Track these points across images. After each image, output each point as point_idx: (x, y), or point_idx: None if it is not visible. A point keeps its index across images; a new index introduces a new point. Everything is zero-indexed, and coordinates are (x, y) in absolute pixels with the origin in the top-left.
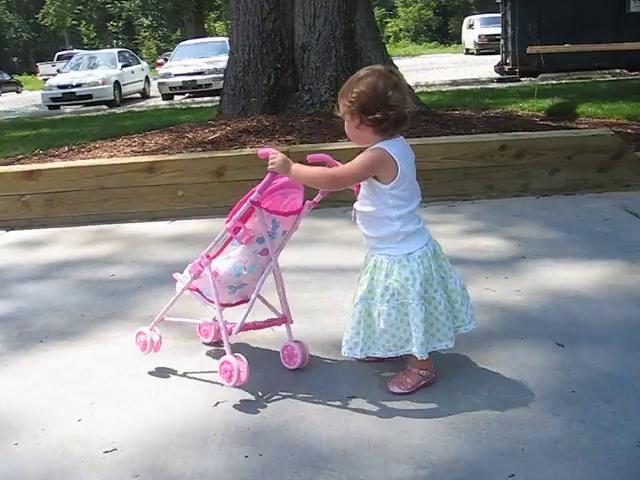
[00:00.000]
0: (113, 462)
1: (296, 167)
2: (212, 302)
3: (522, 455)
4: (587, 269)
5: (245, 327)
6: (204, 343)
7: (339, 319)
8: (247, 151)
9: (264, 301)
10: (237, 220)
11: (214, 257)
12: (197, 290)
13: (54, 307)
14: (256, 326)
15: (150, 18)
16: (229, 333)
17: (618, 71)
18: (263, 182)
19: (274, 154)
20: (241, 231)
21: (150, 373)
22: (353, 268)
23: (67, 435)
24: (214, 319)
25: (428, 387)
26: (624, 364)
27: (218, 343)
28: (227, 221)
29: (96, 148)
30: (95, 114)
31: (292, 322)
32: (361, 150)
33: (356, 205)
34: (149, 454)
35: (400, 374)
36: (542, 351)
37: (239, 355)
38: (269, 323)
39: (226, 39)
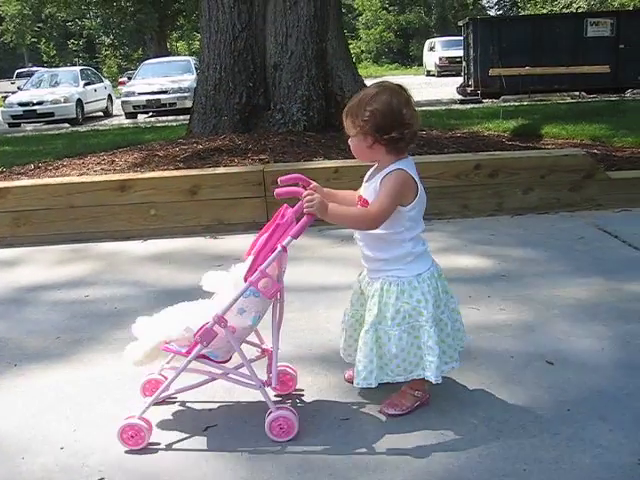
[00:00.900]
0: None
1: (333, 208)
2: (223, 363)
3: (525, 476)
4: (569, 287)
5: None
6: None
7: (325, 339)
8: (221, 169)
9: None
10: (264, 271)
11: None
12: (204, 357)
13: (27, 329)
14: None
15: (111, 37)
16: (267, 386)
17: (577, 93)
18: (300, 225)
19: (310, 196)
20: (267, 282)
21: (134, 398)
22: (335, 287)
23: (50, 464)
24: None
25: (423, 407)
26: (616, 381)
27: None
28: (249, 273)
29: (64, 166)
30: (57, 132)
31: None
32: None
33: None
34: None
35: (394, 396)
36: (533, 370)
37: (291, 408)
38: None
39: (190, 58)
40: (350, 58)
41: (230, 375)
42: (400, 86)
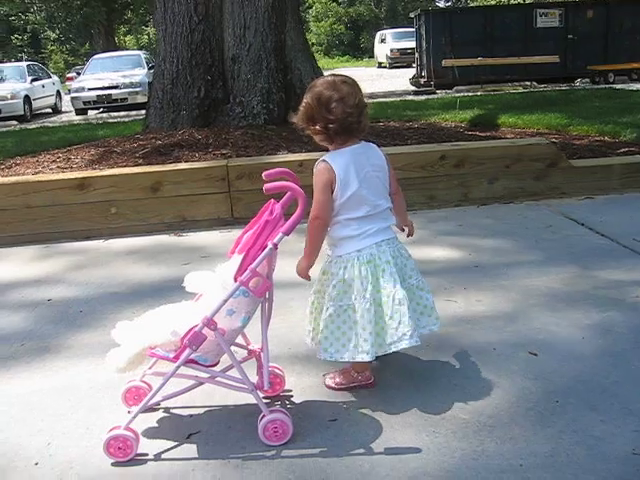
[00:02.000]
0: None
1: (306, 256)
2: (212, 367)
3: (522, 471)
4: (543, 276)
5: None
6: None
7: (302, 337)
8: (183, 165)
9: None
10: (254, 270)
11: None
12: (193, 362)
13: None
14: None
15: (57, 31)
16: (258, 389)
17: (528, 83)
18: (292, 221)
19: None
20: (258, 281)
21: (110, 407)
22: (306, 283)
23: None
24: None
25: (366, 389)
26: (600, 370)
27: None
28: (238, 273)
29: (17, 164)
30: (5, 130)
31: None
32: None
33: None
34: None
35: (337, 371)
36: (517, 361)
37: (284, 410)
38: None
39: (141, 52)
40: (309, 50)
41: (219, 379)
42: (344, 81)
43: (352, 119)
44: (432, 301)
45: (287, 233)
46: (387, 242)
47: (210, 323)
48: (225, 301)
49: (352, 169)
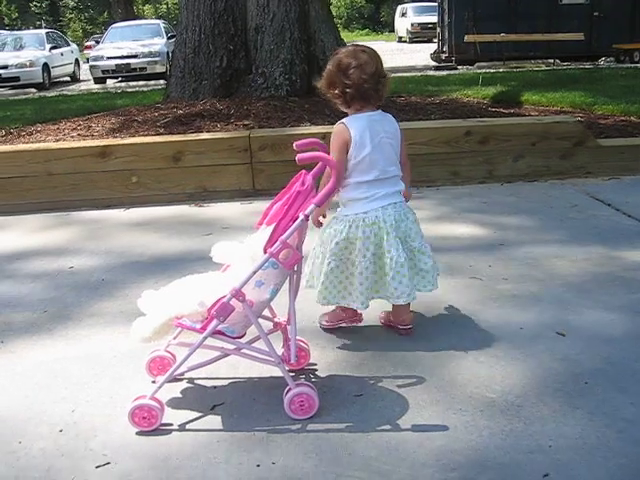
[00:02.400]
0: (108, 478)
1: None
2: (238, 339)
3: (551, 452)
4: (569, 255)
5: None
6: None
7: (326, 310)
8: (205, 135)
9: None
10: (285, 242)
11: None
12: (220, 333)
13: (11, 303)
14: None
15: None
16: (285, 362)
17: (551, 61)
18: (324, 193)
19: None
20: (288, 253)
21: (133, 376)
22: None
23: (50, 448)
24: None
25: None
26: (629, 352)
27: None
28: (268, 244)
29: (38, 132)
30: (24, 97)
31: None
32: None
33: None
34: (148, 467)
35: (328, 313)
36: (544, 341)
37: (310, 384)
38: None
39: (160, 21)
40: (332, 21)
41: (245, 351)
42: (364, 50)
43: (368, 85)
44: (431, 265)
45: (319, 204)
46: (393, 206)
47: (238, 294)
48: (254, 272)
49: (367, 133)
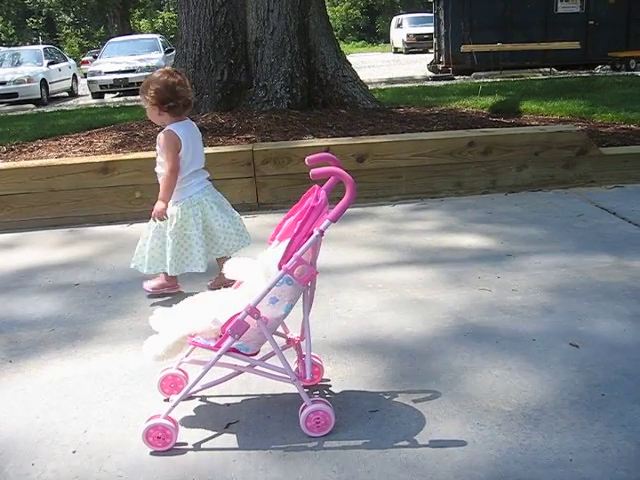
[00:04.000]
0: None
1: (162, 200)
2: (253, 356)
3: (572, 466)
4: (577, 265)
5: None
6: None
7: (338, 325)
8: (208, 150)
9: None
10: (300, 258)
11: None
12: (234, 351)
13: (18, 322)
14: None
15: (72, 14)
16: (300, 379)
17: (548, 69)
18: (339, 208)
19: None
20: (303, 269)
21: (144, 394)
22: (338, 269)
23: (64, 470)
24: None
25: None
26: None
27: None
28: (283, 260)
29: (39, 148)
30: (22, 113)
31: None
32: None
33: (157, 169)
34: None
35: (154, 279)
36: (558, 353)
37: (326, 400)
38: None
39: (157, 36)
40: (332, 34)
41: (259, 368)
42: (176, 71)
43: (191, 97)
44: (241, 228)
45: (334, 220)
46: (208, 187)
47: (253, 311)
48: (269, 289)
49: (191, 136)
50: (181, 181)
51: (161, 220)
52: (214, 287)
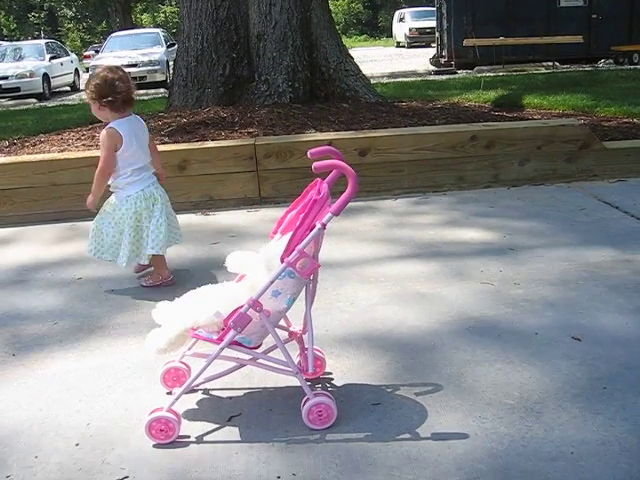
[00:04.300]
0: None
1: (94, 194)
2: (255, 349)
3: (574, 459)
4: (580, 259)
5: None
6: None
7: (340, 318)
8: (210, 144)
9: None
10: (302, 251)
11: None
12: (237, 344)
13: (21, 315)
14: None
15: (74, 9)
16: (302, 372)
17: (550, 63)
18: (341, 201)
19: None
20: (305, 262)
21: (147, 387)
22: (340, 263)
23: (67, 463)
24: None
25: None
26: None
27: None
28: (285, 253)
29: (42, 142)
30: (25, 108)
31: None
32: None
33: None
34: None
35: (149, 276)
36: (560, 346)
37: (328, 393)
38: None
39: (159, 30)
40: (334, 28)
41: (262, 361)
42: (117, 67)
43: (132, 93)
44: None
45: (336, 213)
46: (154, 183)
47: (256, 305)
48: (272, 282)
49: (135, 132)
50: (130, 175)
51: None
52: (138, 271)
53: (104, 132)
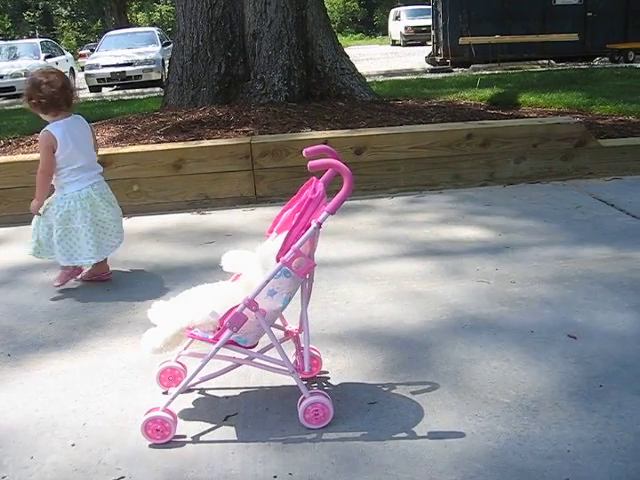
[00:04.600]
0: None
1: (38, 198)
2: (251, 348)
3: (570, 457)
4: (576, 257)
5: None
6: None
7: (336, 317)
8: (206, 142)
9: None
10: (298, 250)
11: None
12: (233, 343)
13: (16, 315)
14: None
15: (69, 8)
16: (298, 371)
17: (546, 61)
18: (337, 200)
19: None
20: (300, 261)
21: (143, 387)
22: (335, 262)
23: (63, 463)
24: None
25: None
26: None
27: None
28: (281, 252)
29: (37, 141)
30: (19, 107)
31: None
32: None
33: None
34: None
35: (61, 274)
36: (556, 344)
37: (324, 392)
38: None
39: (155, 29)
40: (330, 26)
41: (258, 360)
42: (52, 71)
43: (58, 97)
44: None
45: (332, 212)
46: (98, 184)
47: (251, 304)
48: (267, 281)
49: (72, 134)
50: (67, 176)
51: (38, 215)
52: (87, 279)
53: (40, 134)
